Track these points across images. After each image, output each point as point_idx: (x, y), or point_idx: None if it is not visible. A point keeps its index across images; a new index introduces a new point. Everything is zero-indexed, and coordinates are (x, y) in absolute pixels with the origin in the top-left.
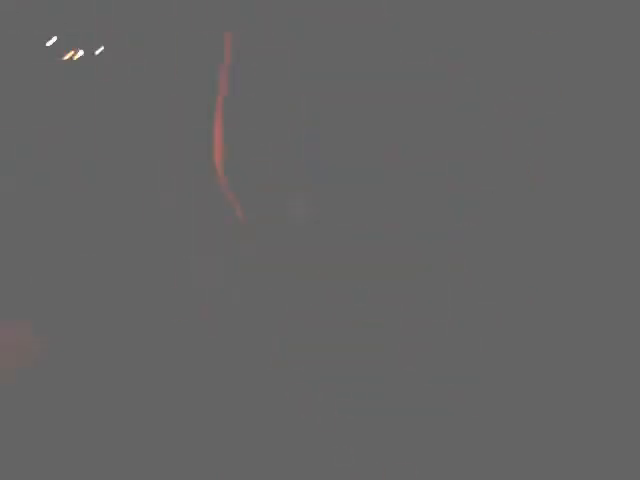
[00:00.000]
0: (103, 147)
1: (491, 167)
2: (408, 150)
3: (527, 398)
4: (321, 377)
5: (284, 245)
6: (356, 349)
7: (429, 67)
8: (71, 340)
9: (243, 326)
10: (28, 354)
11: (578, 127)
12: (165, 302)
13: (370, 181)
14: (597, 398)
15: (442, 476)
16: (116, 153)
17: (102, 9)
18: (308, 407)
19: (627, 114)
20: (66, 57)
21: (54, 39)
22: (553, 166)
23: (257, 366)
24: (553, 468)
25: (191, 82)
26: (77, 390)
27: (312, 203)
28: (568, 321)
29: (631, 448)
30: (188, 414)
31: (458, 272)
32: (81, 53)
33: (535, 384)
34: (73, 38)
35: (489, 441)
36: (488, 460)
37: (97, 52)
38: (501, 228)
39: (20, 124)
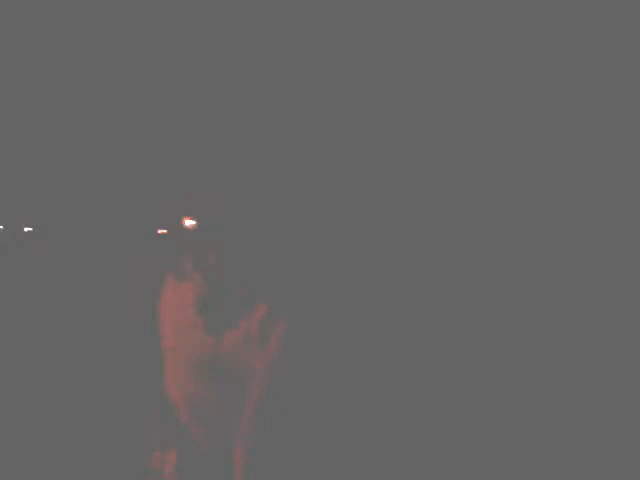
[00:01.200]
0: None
1: (490, 168)
2: (408, 150)
3: (526, 399)
4: (320, 377)
5: (285, 245)
6: (356, 349)
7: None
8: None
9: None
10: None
11: (578, 128)
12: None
13: (370, 181)
14: (596, 399)
15: (442, 476)
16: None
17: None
18: (307, 407)
19: (626, 115)
20: None
21: None
22: (553, 168)
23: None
24: (553, 468)
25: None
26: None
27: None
28: (567, 322)
29: (630, 448)
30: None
31: (459, 273)
32: None
33: (535, 385)
34: None
35: (489, 441)
36: (488, 460)
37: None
38: (501, 229)
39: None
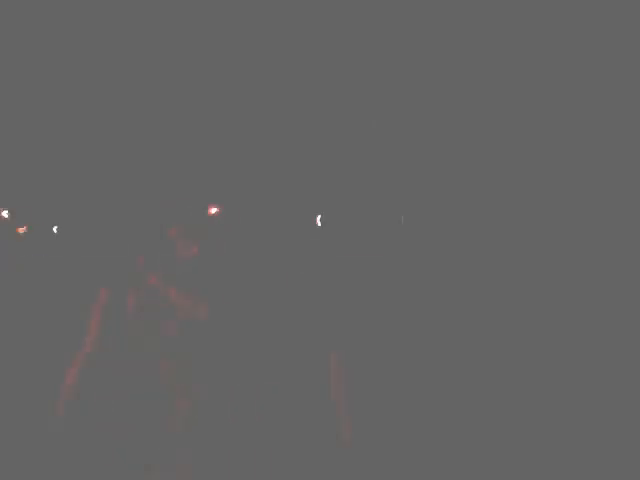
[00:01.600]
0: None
1: (490, 172)
2: (407, 151)
3: (526, 403)
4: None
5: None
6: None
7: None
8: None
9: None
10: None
11: (578, 132)
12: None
13: (372, 185)
14: (596, 403)
15: (441, 476)
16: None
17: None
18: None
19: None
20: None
21: None
22: (553, 173)
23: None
24: (553, 468)
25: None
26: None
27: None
28: (568, 326)
29: (630, 448)
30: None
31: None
32: None
33: (535, 388)
34: None
35: (488, 442)
36: (488, 460)
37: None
38: (500, 235)
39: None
